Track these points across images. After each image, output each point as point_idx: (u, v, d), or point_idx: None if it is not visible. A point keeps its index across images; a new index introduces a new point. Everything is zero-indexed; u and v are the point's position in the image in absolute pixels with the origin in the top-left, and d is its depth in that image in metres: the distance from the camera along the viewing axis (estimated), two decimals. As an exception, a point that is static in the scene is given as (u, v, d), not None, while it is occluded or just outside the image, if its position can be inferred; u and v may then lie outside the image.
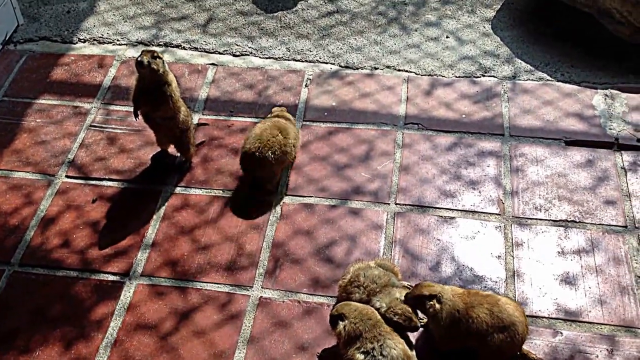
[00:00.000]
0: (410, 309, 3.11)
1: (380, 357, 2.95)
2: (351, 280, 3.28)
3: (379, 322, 3.05)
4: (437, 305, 3.07)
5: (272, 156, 3.87)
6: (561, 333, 3.31)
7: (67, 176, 4.12)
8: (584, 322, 3.35)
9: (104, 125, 4.40)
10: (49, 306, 3.52)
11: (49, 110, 4.51)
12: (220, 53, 4.88)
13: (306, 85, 4.61)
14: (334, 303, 3.43)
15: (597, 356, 3.22)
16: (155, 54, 3.76)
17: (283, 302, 3.49)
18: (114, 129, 4.38)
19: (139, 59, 3.71)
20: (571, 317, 3.37)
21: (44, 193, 4.03)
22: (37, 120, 4.43)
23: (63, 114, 4.48)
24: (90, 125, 4.40)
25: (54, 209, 3.95)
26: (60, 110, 4.51)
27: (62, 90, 4.66)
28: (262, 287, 3.55)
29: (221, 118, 4.43)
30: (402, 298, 3.15)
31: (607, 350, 3.24)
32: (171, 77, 3.89)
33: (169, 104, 3.87)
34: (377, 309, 3.12)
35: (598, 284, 3.49)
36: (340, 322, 3.05)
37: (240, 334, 3.37)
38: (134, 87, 3.90)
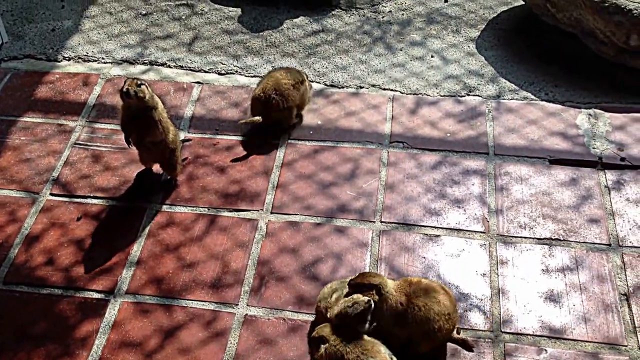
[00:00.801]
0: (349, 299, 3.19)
1: None
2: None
3: (359, 342, 3.08)
4: (376, 297, 3.11)
5: (277, 96, 4.34)
6: (546, 350, 3.34)
7: (51, 194, 4.12)
8: (568, 339, 3.39)
9: (88, 143, 4.42)
10: (33, 324, 3.51)
11: (33, 128, 4.52)
12: (205, 71, 4.92)
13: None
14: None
15: (582, 373, 3.28)
16: (139, 82, 3.80)
17: (268, 319, 3.51)
18: (98, 146, 4.39)
19: (124, 89, 3.74)
20: (555, 335, 3.41)
21: (28, 211, 4.03)
22: (22, 138, 4.44)
23: (47, 132, 4.49)
24: (75, 143, 4.42)
25: (39, 227, 3.95)
26: (44, 128, 4.52)
27: (47, 108, 4.67)
28: (247, 305, 3.57)
29: (207, 136, 4.45)
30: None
31: (591, 367, 3.30)
32: (156, 99, 3.93)
33: (158, 129, 3.91)
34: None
35: (582, 301, 3.54)
36: (322, 345, 3.08)
37: (225, 352, 3.38)
38: (121, 115, 3.93)
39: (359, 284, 3.18)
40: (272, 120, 4.43)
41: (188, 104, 4.66)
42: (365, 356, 3.00)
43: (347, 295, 3.19)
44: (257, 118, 4.39)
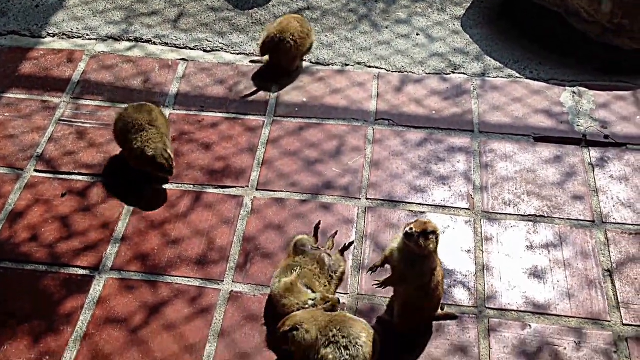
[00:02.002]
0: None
1: (343, 340, 3.02)
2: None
3: (325, 315, 3.14)
4: (435, 242, 3.03)
5: (292, 41, 4.53)
6: (530, 326, 3.34)
7: (35, 170, 4.08)
8: (552, 315, 3.39)
9: (73, 120, 4.36)
10: (17, 300, 3.48)
11: (17, 105, 4.46)
12: (191, 48, 4.87)
13: (277, 81, 4.62)
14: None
15: (565, 348, 3.25)
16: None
17: (254, 296, 3.49)
18: (83, 123, 4.34)
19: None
20: (539, 310, 3.40)
21: (12, 187, 3.99)
22: (6, 115, 4.39)
23: (32, 108, 4.43)
24: (59, 120, 4.36)
25: (23, 203, 3.91)
26: (29, 104, 4.47)
27: (31, 84, 4.61)
28: (232, 281, 3.55)
29: (192, 113, 4.41)
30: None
31: (575, 342, 3.27)
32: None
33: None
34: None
35: (566, 277, 3.53)
36: (295, 333, 3.09)
37: (211, 328, 3.36)
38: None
39: (425, 230, 3.02)
40: (279, 62, 4.60)
41: (173, 81, 4.61)
42: (337, 323, 3.07)
43: (407, 240, 3.10)
44: (266, 58, 4.60)
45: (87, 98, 4.51)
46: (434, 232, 3.00)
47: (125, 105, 4.13)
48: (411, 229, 2.97)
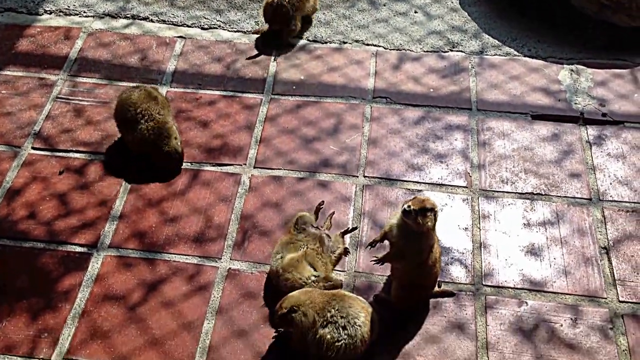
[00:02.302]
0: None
1: (341, 320, 3.04)
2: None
3: (323, 294, 3.14)
4: (433, 219, 3.03)
5: (288, 5, 4.60)
6: (526, 303, 3.36)
7: (33, 148, 4.08)
8: (549, 292, 3.40)
9: (70, 97, 4.35)
10: (15, 277, 3.49)
11: (14, 82, 4.45)
12: (188, 26, 4.84)
13: (274, 59, 4.60)
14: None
15: (562, 325, 3.27)
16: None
17: (252, 273, 3.50)
18: (80, 101, 4.33)
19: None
20: (536, 287, 3.42)
21: (10, 164, 3.99)
22: (3, 92, 4.37)
23: (29, 86, 4.42)
24: (57, 97, 4.35)
25: (20, 181, 3.91)
26: (26, 81, 4.45)
27: (28, 61, 4.60)
28: (230, 259, 3.56)
29: (189, 91, 4.40)
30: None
31: (571, 319, 3.29)
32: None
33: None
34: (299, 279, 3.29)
35: (563, 255, 3.54)
36: (296, 314, 3.10)
37: (208, 305, 3.38)
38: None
39: (424, 208, 3.02)
40: (278, 27, 4.67)
41: (171, 59, 4.59)
42: (335, 302, 3.08)
43: (405, 217, 3.10)
44: (266, 27, 4.72)
45: (85, 75, 4.50)
46: (432, 210, 2.99)
47: (125, 89, 4.08)
48: (409, 206, 2.97)
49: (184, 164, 3.98)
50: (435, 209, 3.01)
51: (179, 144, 3.94)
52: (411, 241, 3.07)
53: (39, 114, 4.25)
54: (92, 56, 4.61)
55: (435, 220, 3.02)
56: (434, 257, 3.15)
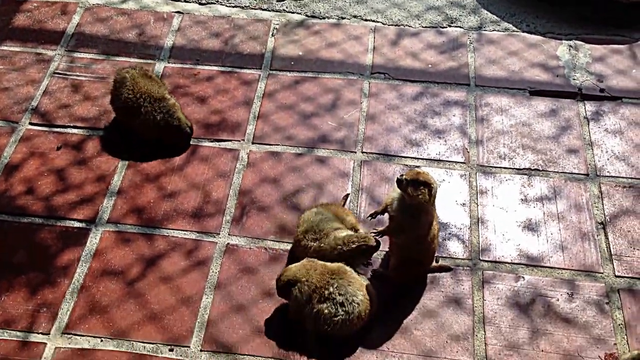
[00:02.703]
0: (361, 234, 3.24)
1: (339, 298, 3.05)
2: (306, 230, 3.38)
3: (324, 268, 3.15)
4: (426, 195, 3.03)
5: None
6: (523, 278, 3.38)
7: (30, 123, 4.08)
8: (546, 267, 3.43)
9: (67, 73, 4.35)
10: (13, 252, 3.51)
11: (11, 57, 4.45)
12: (186, 1, 4.82)
13: (273, 35, 4.59)
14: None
15: (558, 299, 3.30)
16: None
17: (250, 248, 3.51)
18: (78, 76, 4.33)
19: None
20: (533, 262, 3.44)
21: (7, 140, 3.99)
22: (0, 67, 4.38)
23: (26, 61, 4.42)
24: (54, 73, 4.35)
25: (18, 156, 3.91)
26: (23, 57, 4.45)
27: (25, 37, 4.59)
28: (229, 234, 3.57)
29: (187, 66, 4.40)
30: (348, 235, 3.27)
31: (567, 293, 3.32)
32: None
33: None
34: (334, 247, 3.24)
35: (560, 230, 3.57)
36: (293, 288, 3.12)
37: (207, 280, 3.40)
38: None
39: (415, 179, 3.05)
40: None
41: (168, 34, 4.59)
42: (334, 280, 3.09)
43: (398, 186, 3.12)
44: None
45: (82, 51, 4.49)
46: (426, 184, 3.00)
47: (116, 76, 4.03)
48: (402, 175, 3.00)
49: (182, 139, 4.02)
50: (432, 184, 3.02)
51: (184, 116, 3.98)
52: (410, 216, 3.09)
53: (37, 89, 4.25)
54: (90, 31, 4.60)
55: (431, 196, 3.02)
56: (432, 233, 3.17)
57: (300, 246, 3.38)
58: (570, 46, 4.48)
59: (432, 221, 3.13)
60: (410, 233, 3.14)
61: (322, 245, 3.30)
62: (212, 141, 3.98)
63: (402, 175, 3.01)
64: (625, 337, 3.17)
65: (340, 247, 3.25)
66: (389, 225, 3.21)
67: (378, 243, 3.22)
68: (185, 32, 4.61)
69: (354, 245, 3.22)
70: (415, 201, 3.02)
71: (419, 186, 2.99)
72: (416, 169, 3.06)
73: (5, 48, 4.50)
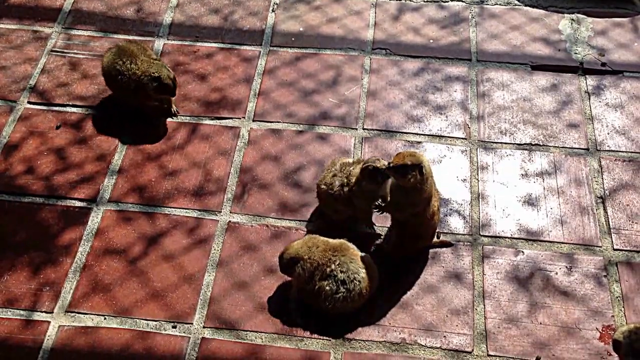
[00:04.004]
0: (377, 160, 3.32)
1: (341, 275, 3.19)
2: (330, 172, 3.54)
3: (326, 245, 3.28)
4: (418, 176, 3.13)
5: None
6: (522, 252, 3.53)
7: (29, 102, 4.19)
8: (545, 241, 3.57)
9: (65, 50, 4.47)
10: (15, 232, 3.63)
11: (8, 35, 4.55)
12: (183, -24, 4.94)
13: (273, 10, 4.69)
14: (302, 227, 3.62)
15: (557, 273, 3.44)
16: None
17: (251, 226, 3.64)
18: (76, 54, 4.44)
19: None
20: (532, 237, 3.58)
21: (6, 119, 4.10)
22: (-4, 46, 4.52)
23: (23, 39, 4.53)
24: (52, 50, 4.46)
25: (17, 136, 4.03)
26: (20, 34, 4.56)
27: (21, 14, 4.69)
28: (230, 212, 3.70)
29: (186, 43, 4.51)
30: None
31: (566, 267, 3.46)
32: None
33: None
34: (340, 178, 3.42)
35: (559, 204, 3.70)
36: (297, 266, 3.25)
37: (209, 258, 3.52)
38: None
39: (402, 165, 3.13)
40: None
41: (167, 10, 4.70)
42: (336, 257, 3.23)
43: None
44: None
45: (79, 28, 4.60)
46: (415, 166, 3.09)
47: (103, 60, 4.14)
48: (389, 163, 3.13)
49: (182, 117, 4.11)
50: (421, 164, 3.11)
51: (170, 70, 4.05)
52: (404, 194, 3.22)
53: (34, 67, 4.37)
54: (87, 8, 4.71)
55: (423, 175, 3.12)
56: (431, 210, 3.31)
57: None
58: (573, 20, 4.59)
59: (429, 198, 3.26)
60: (406, 211, 3.29)
61: (329, 180, 3.49)
62: (212, 119, 4.10)
63: (389, 163, 3.13)
64: (623, 309, 3.33)
65: (345, 175, 3.43)
66: (388, 203, 3.35)
67: (386, 166, 3.23)
68: (184, 8, 4.72)
69: (359, 167, 3.36)
70: (409, 185, 3.15)
71: (409, 170, 3.10)
72: (402, 152, 3.16)
73: (1, 26, 4.61)
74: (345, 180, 3.44)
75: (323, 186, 3.52)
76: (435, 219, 3.39)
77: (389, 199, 3.34)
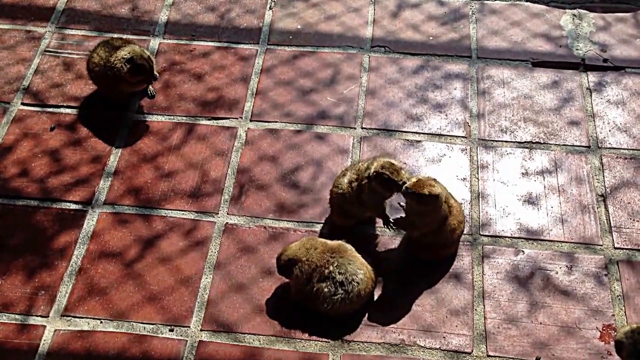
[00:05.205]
0: (397, 165, 3.35)
1: (339, 277, 3.27)
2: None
3: (325, 247, 3.36)
4: (434, 204, 3.26)
5: None
6: (523, 251, 3.60)
7: (22, 103, 4.26)
8: (545, 240, 3.64)
9: (59, 50, 4.53)
10: (9, 235, 3.69)
11: (1, 35, 4.62)
12: (179, -26, 5.00)
13: (270, 8, 4.76)
14: (300, 228, 3.70)
15: (557, 272, 3.52)
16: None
17: (249, 227, 3.71)
18: (70, 54, 4.51)
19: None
20: (533, 236, 3.66)
21: (0, 121, 4.18)
22: (-11, 46, 4.58)
23: (16, 39, 4.60)
24: (45, 50, 4.53)
25: (11, 138, 4.09)
26: (12, 35, 4.63)
27: (14, 14, 4.76)
28: (227, 214, 3.77)
29: (182, 42, 4.58)
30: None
31: (567, 266, 3.54)
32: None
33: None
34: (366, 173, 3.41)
35: (560, 203, 3.78)
36: (295, 267, 3.33)
37: (206, 260, 3.60)
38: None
39: (420, 194, 3.24)
40: None
41: (162, 9, 4.77)
42: (334, 259, 3.31)
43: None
44: None
45: (73, 27, 4.67)
46: (431, 196, 3.22)
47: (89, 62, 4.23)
48: (406, 187, 3.23)
49: (178, 117, 4.18)
50: (438, 195, 3.23)
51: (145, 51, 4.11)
52: (419, 216, 3.35)
53: (28, 68, 4.44)
54: (81, 7, 4.79)
55: (439, 204, 3.26)
56: (450, 225, 3.40)
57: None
58: (574, 15, 4.66)
59: (445, 215, 3.36)
60: (420, 230, 3.41)
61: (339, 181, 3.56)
62: (209, 119, 4.17)
63: (406, 187, 3.23)
64: (623, 308, 3.40)
65: (354, 171, 3.49)
66: (403, 220, 3.45)
67: (403, 185, 3.30)
68: (179, 7, 4.79)
69: (383, 172, 3.34)
70: (424, 211, 3.27)
71: (426, 199, 3.22)
72: (422, 179, 3.25)
73: (-6, 26, 4.70)
74: (355, 177, 3.49)
75: (334, 189, 3.59)
76: (457, 232, 3.48)
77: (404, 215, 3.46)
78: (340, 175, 3.61)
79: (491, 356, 3.27)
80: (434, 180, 3.29)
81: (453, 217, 3.41)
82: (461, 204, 3.69)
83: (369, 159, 3.52)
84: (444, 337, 3.33)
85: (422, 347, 3.30)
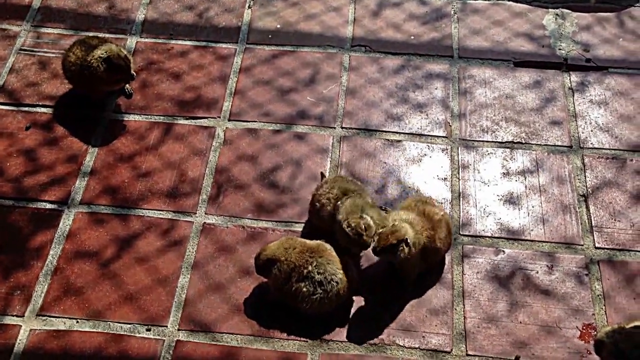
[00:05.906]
0: (363, 225, 3.36)
1: (318, 277, 3.32)
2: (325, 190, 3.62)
3: (304, 247, 3.41)
4: (406, 249, 3.29)
5: None
6: (503, 251, 3.66)
7: (-3, 103, 4.30)
8: (526, 240, 3.71)
9: (35, 49, 4.56)
10: (-16, 235, 3.73)
11: (-25, 34, 4.67)
12: (157, -28, 5.04)
13: (249, 7, 4.81)
14: (278, 228, 3.75)
15: (537, 272, 3.58)
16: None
17: (227, 227, 3.76)
18: (45, 52, 4.55)
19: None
20: (513, 236, 3.72)
21: (-26, 120, 4.21)
22: (-37, 45, 4.60)
23: (-10, 38, 4.65)
24: (20, 49, 4.56)
25: (-15, 137, 4.13)
26: (-13, 33, 4.68)
27: (-12, 12, 4.80)
28: (205, 213, 3.81)
29: (160, 41, 4.62)
30: (368, 217, 3.41)
31: (547, 266, 3.60)
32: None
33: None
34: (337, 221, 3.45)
35: (541, 203, 3.84)
36: (273, 267, 3.38)
37: (184, 260, 3.64)
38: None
39: (390, 245, 3.28)
40: None
41: (140, 7, 4.81)
42: (313, 259, 3.35)
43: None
44: None
45: (49, 26, 4.71)
46: (399, 242, 3.25)
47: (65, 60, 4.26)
48: (375, 247, 3.29)
49: (155, 117, 4.22)
50: (405, 238, 3.26)
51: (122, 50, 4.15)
52: (403, 263, 3.40)
53: (2, 67, 4.47)
54: (56, 5, 4.82)
55: (409, 246, 3.27)
56: (438, 243, 3.44)
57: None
58: (557, 15, 4.74)
59: (420, 248, 3.36)
60: (415, 269, 3.49)
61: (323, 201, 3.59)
62: (187, 119, 4.22)
63: (373, 248, 3.29)
64: (604, 307, 3.47)
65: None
66: (402, 274, 3.54)
67: (367, 246, 3.40)
68: (157, 5, 4.83)
69: (346, 229, 3.39)
70: (403, 259, 3.31)
71: (397, 248, 3.26)
72: (383, 231, 3.29)
73: (-32, 24, 4.72)
74: (331, 206, 3.55)
75: (316, 203, 3.63)
76: (443, 249, 3.54)
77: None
78: (328, 188, 3.61)
79: (471, 355, 3.33)
80: (395, 224, 3.32)
81: (436, 236, 3.42)
82: (442, 203, 3.77)
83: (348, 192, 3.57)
84: (423, 337, 3.38)
85: (401, 346, 3.35)
